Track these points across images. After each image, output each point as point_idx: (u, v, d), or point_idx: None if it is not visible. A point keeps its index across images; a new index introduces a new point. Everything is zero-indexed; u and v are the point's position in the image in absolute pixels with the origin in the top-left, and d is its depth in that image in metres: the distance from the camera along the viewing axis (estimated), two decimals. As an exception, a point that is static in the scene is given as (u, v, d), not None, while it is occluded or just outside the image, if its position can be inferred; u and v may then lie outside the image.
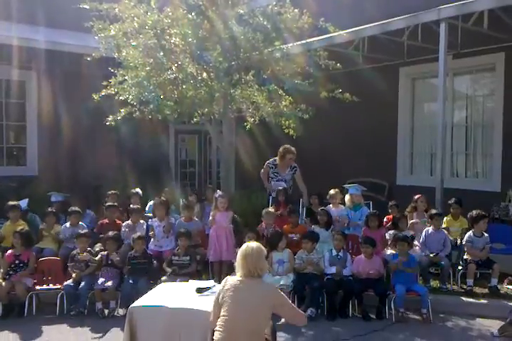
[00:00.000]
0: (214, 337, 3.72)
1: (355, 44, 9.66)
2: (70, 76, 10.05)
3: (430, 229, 7.05)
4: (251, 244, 3.92)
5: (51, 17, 10.63)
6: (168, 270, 6.51)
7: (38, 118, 10.69)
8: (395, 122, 10.60)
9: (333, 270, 6.42)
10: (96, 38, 7.68)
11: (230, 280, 3.82)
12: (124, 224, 7.47)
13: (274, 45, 7.80)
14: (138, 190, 8.20)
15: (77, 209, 7.49)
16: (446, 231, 7.13)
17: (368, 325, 5.91)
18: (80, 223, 7.43)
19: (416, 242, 6.96)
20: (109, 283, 6.26)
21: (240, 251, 3.88)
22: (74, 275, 6.38)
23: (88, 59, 7.74)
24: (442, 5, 7.63)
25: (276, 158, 8.00)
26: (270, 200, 8.13)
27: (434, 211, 7.18)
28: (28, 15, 10.47)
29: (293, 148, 7.97)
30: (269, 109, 7.97)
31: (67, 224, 7.39)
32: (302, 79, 8.01)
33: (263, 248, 3.95)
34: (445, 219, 7.49)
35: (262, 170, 8.38)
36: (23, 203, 7.70)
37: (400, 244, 6.38)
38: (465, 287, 6.68)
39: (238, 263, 3.84)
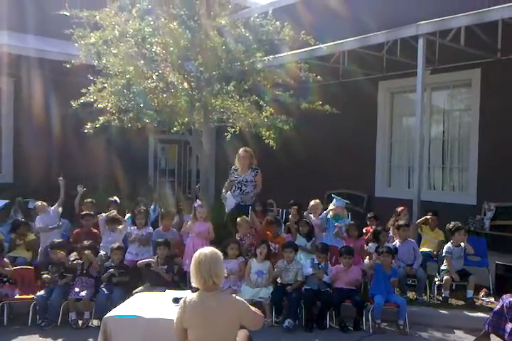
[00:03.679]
0: None
1: (335, 57, 9.78)
2: (48, 83, 9.96)
3: (397, 241, 7.10)
4: (204, 250, 3.60)
5: (31, 24, 10.53)
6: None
7: (14, 125, 10.55)
8: (373, 135, 10.73)
9: (309, 271, 6.41)
10: (76, 45, 7.64)
11: (188, 302, 3.56)
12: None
13: (255, 56, 7.84)
14: (115, 198, 8.09)
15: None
16: (413, 241, 7.17)
17: (345, 336, 5.88)
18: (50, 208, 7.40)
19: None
20: (84, 293, 6.13)
21: (193, 259, 3.58)
22: (47, 278, 6.26)
23: (67, 66, 7.68)
24: (421, 21, 7.77)
25: (236, 164, 7.84)
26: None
27: (400, 222, 7.22)
28: (8, 22, 10.36)
29: (248, 149, 7.69)
30: (249, 120, 7.99)
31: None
32: (283, 91, 8.08)
33: (219, 253, 3.64)
34: (423, 227, 7.61)
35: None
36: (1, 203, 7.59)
37: (385, 256, 6.39)
38: (441, 298, 6.72)
39: (192, 272, 3.57)
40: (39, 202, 7.52)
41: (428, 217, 7.55)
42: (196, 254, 3.60)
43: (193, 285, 3.64)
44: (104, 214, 7.44)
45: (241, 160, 7.55)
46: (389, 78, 10.34)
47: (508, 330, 5.20)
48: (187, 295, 3.74)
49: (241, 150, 7.62)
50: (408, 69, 9.06)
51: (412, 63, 8.37)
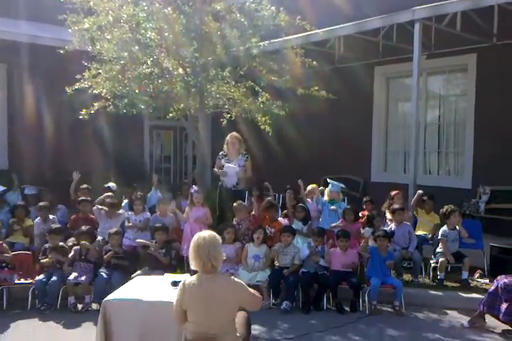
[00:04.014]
0: (187, 338, 3.64)
1: (331, 43, 9.75)
2: (42, 69, 9.85)
3: (393, 225, 7.16)
4: (203, 234, 3.65)
5: (24, 9, 10.41)
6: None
7: (8, 112, 10.48)
8: (369, 120, 10.74)
9: (306, 252, 6.49)
10: (70, 31, 7.58)
11: (188, 285, 3.60)
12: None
13: (250, 41, 7.81)
14: (111, 184, 8.07)
15: (44, 204, 7.37)
16: (409, 223, 7.23)
17: (342, 317, 5.95)
18: (52, 216, 7.34)
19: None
20: (83, 278, 6.17)
21: (192, 242, 3.62)
22: (45, 260, 6.30)
23: (61, 52, 7.63)
24: (417, 6, 7.75)
25: (225, 149, 7.87)
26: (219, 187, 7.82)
27: (395, 206, 7.28)
28: (1, 7, 10.24)
29: (236, 134, 7.76)
30: (245, 105, 7.98)
31: (38, 220, 7.27)
32: (279, 76, 8.06)
33: (217, 237, 3.69)
34: (418, 210, 7.67)
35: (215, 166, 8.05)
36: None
37: (381, 240, 6.45)
38: (436, 280, 6.79)
39: (191, 256, 3.60)
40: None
41: (420, 192, 7.55)
42: (195, 238, 3.63)
43: (192, 268, 3.68)
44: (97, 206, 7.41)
45: (230, 145, 7.59)
46: (385, 63, 10.31)
47: (503, 310, 5.30)
48: (186, 277, 3.78)
49: (229, 136, 7.67)
50: (404, 54, 9.03)
51: (408, 48, 8.36)
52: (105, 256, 6.44)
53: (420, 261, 6.93)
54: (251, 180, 7.97)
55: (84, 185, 8.07)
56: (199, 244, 3.57)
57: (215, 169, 7.77)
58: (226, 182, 7.63)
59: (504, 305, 5.31)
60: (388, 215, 7.58)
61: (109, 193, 7.58)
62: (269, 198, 7.80)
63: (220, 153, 7.73)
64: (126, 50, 7.44)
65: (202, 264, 3.55)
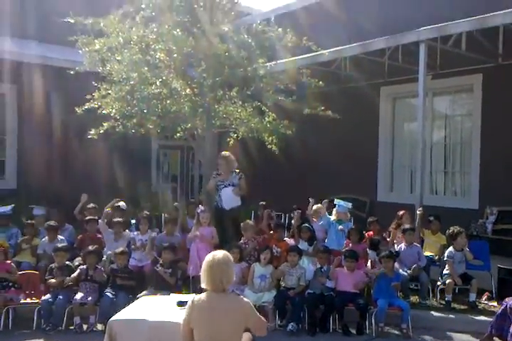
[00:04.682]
0: None
1: (337, 63, 9.84)
2: (52, 89, 10.00)
3: (403, 245, 7.13)
4: (218, 254, 3.68)
5: (34, 30, 10.60)
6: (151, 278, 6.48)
7: (18, 132, 10.59)
8: (375, 140, 10.77)
9: (312, 270, 6.48)
10: (80, 52, 7.71)
11: (197, 302, 3.64)
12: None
13: (257, 62, 7.91)
14: (121, 203, 8.08)
15: (52, 223, 7.40)
16: (419, 245, 7.21)
17: (348, 339, 5.91)
18: (59, 237, 7.36)
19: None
20: (89, 298, 6.16)
21: (206, 262, 3.65)
22: (52, 281, 6.30)
23: (71, 72, 7.75)
24: (422, 26, 7.83)
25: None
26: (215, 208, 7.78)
27: (406, 226, 7.27)
28: (11, 28, 10.43)
29: (225, 154, 7.75)
30: (252, 125, 8.04)
31: (45, 239, 7.31)
32: (285, 97, 8.14)
33: (230, 257, 3.74)
34: (425, 231, 7.65)
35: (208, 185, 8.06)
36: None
37: (386, 261, 6.41)
38: (444, 302, 6.73)
39: (203, 274, 3.63)
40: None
41: (420, 209, 7.52)
42: (209, 257, 3.68)
43: (203, 286, 3.69)
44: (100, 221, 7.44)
45: (219, 166, 7.64)
46: (390, 83, 10.38)
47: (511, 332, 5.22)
48: (193, 297, 3.78)
49: (218, 158, 7.71)
50: (410, 74, 9.09)
51: (413, 68, 8.41)
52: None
53: (427, 283, 6.88)
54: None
55: (92, 205, 8.10)
56: (213, 263, 3.62)
57: (209, 187, 7.77)
58: (221, 203, 7.64)
59: (513, 328, 5.23)
60: (396, 234, 7.56)
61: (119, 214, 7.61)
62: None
63: (214, 172, 7.77)
64: (136, 71, 7.53)
65: (213, 284, 3.60)
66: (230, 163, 7.70)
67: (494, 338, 5.44)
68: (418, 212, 7.52)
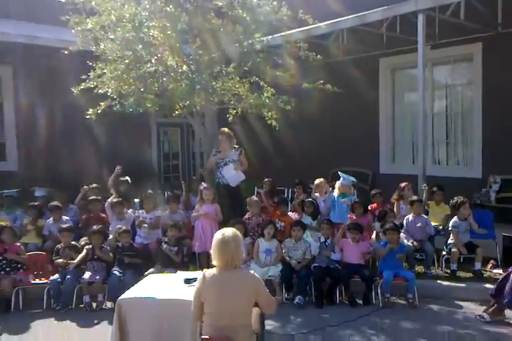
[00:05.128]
0: (203, 334, 3.66)
1: (334, 35, 9.70)
2: (47, 70, 9.86)
3: (410, 216, 7.13)
4: (227, 232, 3.70)
5: (27, 11, 10.42)
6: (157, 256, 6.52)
7: (16, 114, 10.49)
8: (376, 112, 10.69)
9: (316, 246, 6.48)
10: (73, 31, 7.58)
11: (208, 275, 3.68)
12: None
13: (253, 37, 7.78)
14: (127, 177, 8.13)
15: (57, 204, 7.42)
16: (426, 216, 7.21)
17: (355, 310, 5.95)
18: (64, 218, 7.38)
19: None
20: (97, 277, 6.22)
21: (216, 240, 3.67)
22: (60, 261, 6.35)
23: (65, 52, 7.63)
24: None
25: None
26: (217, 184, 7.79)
27: (414, 197, 7.26)
28: (3, 9, 10.26)
29: (225, 130, 7.79)
30: (251, 101, 7.96)
31: (51, 220, 7.32)
32: (283, 71, 8.04)
33: (240, 235, 3.77)
34: (429, 202, 7.64)
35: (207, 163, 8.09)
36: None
37: (391, 233, 6.41)
38: (449, 271, 6.77)
39: (214, 253, 3.66)
40: None
41: (424, 185, 7.53)
42: (218, 234, 3.71)
43: (214, 263, 3.71)
44: (109, 200, 7.49)
45: (221, 143, 7.66)
46: (389, 55, 10.25)
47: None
48: (200, 273, 3.80)
49: (219, 133, 7.72)
50: (408, 45, 8.97)
51: (412, 39, 8.29)
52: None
53: (432, 253, 6.90)
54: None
55: (94, 185, 8.11)
56: (222, 240, 3.64)
57: (207, 168, 7.75)
58: (222, 179, 7.63)
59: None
60: (399, 206, 7.56)
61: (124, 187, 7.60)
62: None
63: (213, 149, 7.75)
64: (130, 49, 7.43)
65: (225, 261, 3.62)
66: (230, 139, 7.69)
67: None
68: (423, 188, 7.48)
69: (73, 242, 6.61)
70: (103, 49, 7.51)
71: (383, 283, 6.13)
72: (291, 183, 8.57)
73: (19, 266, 6.37)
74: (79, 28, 7.51)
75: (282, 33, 8.79)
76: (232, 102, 8.15)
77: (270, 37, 8.38)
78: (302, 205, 7.41)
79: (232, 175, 7.53)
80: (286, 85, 8.13)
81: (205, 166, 8.26)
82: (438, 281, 6.58)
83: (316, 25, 8.43)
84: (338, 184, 7.72)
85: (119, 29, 7.45)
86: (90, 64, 7.59)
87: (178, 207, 7.63)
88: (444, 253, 6.98)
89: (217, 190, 7.58)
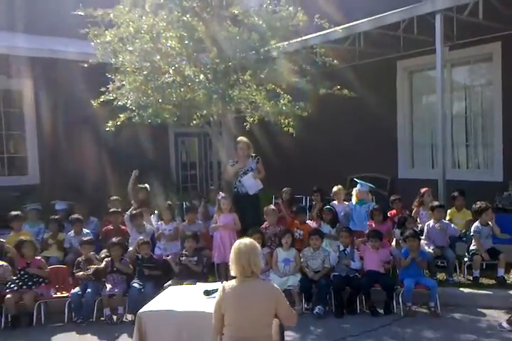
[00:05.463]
0: None
1: (350, 39, 9.65)
2: (67, 83, 9.97)
3: (431, 222, 7.05)
4: (243, 241, 3.78)
5: (46, 25, 10.58)
6: (176, 269, 6.55)
7: (37, 127, 10.69)
8: (394, 116, 10.61)
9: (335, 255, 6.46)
10: (92, 44, 7.68)
11: (228, 287, 3.71)
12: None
13: (270, 44, 7.79)
14: (146, 185, 8.21)
15: (78, 216, 7.53)
16: (447, 222, 7.13)
17: (376, 320, 5.92)
18: (85, 230, 7.49)
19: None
20: (116, 290, 6.28)
21: (233, 249, 3.75)
22: (80, 274, 6.43)
23: (85, 65, 7.75)
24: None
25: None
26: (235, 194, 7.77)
27: (435, 203, 7.17)
28: (23, 24, 10.41)
29: (243, 139, 7.81)
30: (267, 108, 7.96)
31: (72, 233, 7.43)
32: (300, 77, 8.03)
33: (257, 244, 3.83)
34: (448, 211, 7.51)
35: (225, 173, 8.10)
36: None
37: (411, 241, 6.34)
38: (472, 278, 6.68)
39: (232, 261, 3.72)
40: None
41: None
42: (236, 244, 3.77)
43: (232, 274, 3.76)
44: (127, 212, 7.57)
45: (240, 151, 7.67)
46: (407, 57, 10.15)
47: None
48: (225, 281, 3.86)
49: (238, 142, 7.73)
50: (426, 46, 8.89)
51: (429, 40, 8.21)
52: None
53: (454, 259, 6.82)
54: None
55: (114, 197, 8.20)
56: (240, 250, 3.70)
57: (226, 177, 7.78)
58: (241, 188, 7.65)
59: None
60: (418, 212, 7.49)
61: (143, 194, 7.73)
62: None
63: (230, 160, 7.77)
64: (148, 60, 7.50)
65: (242, 270, 3.67)
66: (249, 148, 7.74)
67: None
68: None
69: (92, 253, 6.67)
70: (122, 61, 7.58)
71: (404, 292, 6.08)
72: (308, 191, 8.55)
73: (41, 279, 6.43)
74: (98, 41, 7.61)
75: (298, 39, 8.77)
76: (249, 110, 8.18)
77: (286, 43, 8.36)
78: (321, 213, 7.38)
79: (251, 183, 7.54)
80: (302, 91, 8.12)
81: (223, 176, 8.29)
82: (460, 289, 6.51)
83: (332, 30, 8.39)
84: (355, 191, 7.68)
85: (137, 41, 7.51)
86: (109, 76, 7.68)
87: (197, 218, 7.67)
88: (466, 259, 6.90)
89: (236, 198, 7.60)
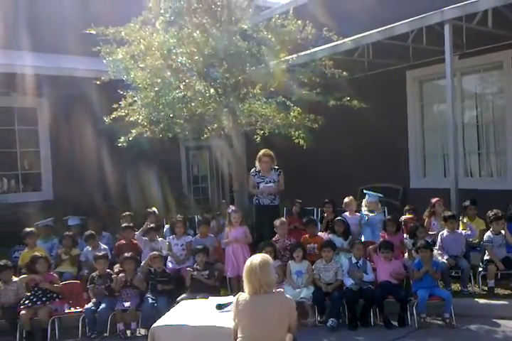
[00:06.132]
0: None
1: (359, 51, 9.69)
2: (80, 100, 10.13)
3: (445, 232, 7.00)
4: (255, 259, 3.74)
5: (58, 43, 10.77)
6: (188, 282, 6.58)
7: (51, 144, 10.90)
8: (404, 125, 10.58)
9: (349, 282, 6.40)
10: (104, 61, 7.82)
11: (241, 299, 3.73)
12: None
13: (279, 57, 7.86)
14: (154, 209, 8.26)
15: (91, 232, 7.59)
16: (460, 231, 7.09)
17: (390, 332, 5.86)
18: (102, 245, 7.55)
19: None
20: (129, 304, 6.31)
21: (245, 268, 3.74)
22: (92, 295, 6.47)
23: (97, 83, 7.88)
24: (445, 6, 7.61)
25: (257, 166, 7.95)
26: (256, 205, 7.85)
27: (448, 213, 7.14)
28: (35, 42, 10.62)
29: (268, 152, 7.82)
30: (277, 121, 8.03)
31: (89, 248, 7.50)
32: (309, 89, 8.08)
33: (269, 260, 3.79)
34: (461, 221, 7.46)
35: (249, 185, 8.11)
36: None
37: (423, 251, 6.29)
38: (487, 289, 6.61)
39: (244, 280, 3.73)
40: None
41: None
42: (248, 263, 3.75)
43: (246, 291, 3.75)
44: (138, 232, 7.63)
45: (263, 163, 7.71)
46: (416, 67, 10.15)
47: None
48: (240, 293, 3.84)
49: (261, 154, 7.75)
50: (435, 56, 8.88)
51: (439, 49, 8.21)
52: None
53: (468, 269, 6.74)
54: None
55: (127, 212, 8.27)
56: (250, 270, 3.69)
57: (251, 189, 7.84)
58: (262, 200, 7.69)
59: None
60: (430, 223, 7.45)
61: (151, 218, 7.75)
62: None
63: (253, 170, 7.83)
64: (159, 77, 7.61)
65: (254, 289, 3.67)
66: (273, 161, 7.80)
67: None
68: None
69: (108, 270, 6.70)
70: (133, 78, 7.71)
71: (418, 303, 6.03)
72: (319, 203, 8.55)
73: (55, 295, 6.45)
74: (110, 58, 7.75)
75: (307, 51, 8.84)
76: (259, 123, 8.24)
77: (295, 56, 8.43)
78: (332, 225, 7.37)
79: (269, 185, 7.60)
80: (312, 103, 8.17)
81: (235, 188, 8.32)
82: (475, 299, 6.44)
83: (341, 41, 8.45)
84: (364, 201, 7.68)
85: (148, 57, 7.65)
86: (121, 93, 7.81)
87: (209, 231, 7.71)
88: (480, 269, 6.83)
89: (257, 209, 7.66)
